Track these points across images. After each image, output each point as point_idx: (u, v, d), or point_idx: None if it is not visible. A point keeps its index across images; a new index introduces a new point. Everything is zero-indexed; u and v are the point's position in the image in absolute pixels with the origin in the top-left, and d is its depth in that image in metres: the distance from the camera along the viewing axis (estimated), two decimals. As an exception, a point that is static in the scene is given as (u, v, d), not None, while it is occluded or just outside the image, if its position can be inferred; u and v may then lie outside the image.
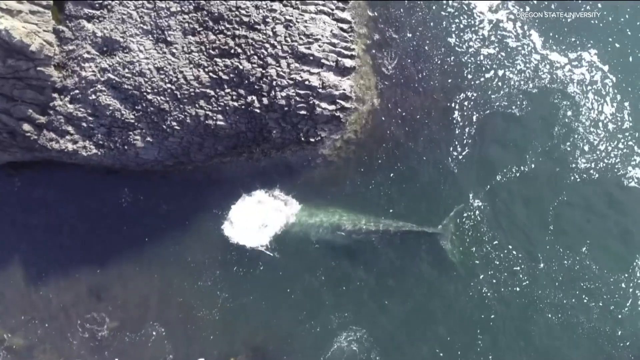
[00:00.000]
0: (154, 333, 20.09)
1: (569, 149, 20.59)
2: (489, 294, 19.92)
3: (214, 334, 20.01)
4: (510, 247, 20.26)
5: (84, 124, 19.07)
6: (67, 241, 20.83)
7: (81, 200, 21.00)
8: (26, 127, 19.08)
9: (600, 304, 19.62)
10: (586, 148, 20.65)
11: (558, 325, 19.62)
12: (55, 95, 18.97)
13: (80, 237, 20.80)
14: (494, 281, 19.93)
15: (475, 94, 20.75)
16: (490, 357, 19.43)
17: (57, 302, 20.56)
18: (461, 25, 21.41)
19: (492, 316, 19.80)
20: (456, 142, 20.59)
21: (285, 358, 19.84)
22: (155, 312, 20.32)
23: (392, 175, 20.71)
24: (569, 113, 20.62)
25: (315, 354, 19.67)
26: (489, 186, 20.56)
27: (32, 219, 21.07)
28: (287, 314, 20.09)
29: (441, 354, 19.54)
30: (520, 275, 19.94)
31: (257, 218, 20.57)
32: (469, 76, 20.89)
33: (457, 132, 20.58)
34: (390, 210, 20.49)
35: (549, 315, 19.61)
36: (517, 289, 19.74)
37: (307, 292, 20.25)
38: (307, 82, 18.78)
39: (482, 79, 20.86)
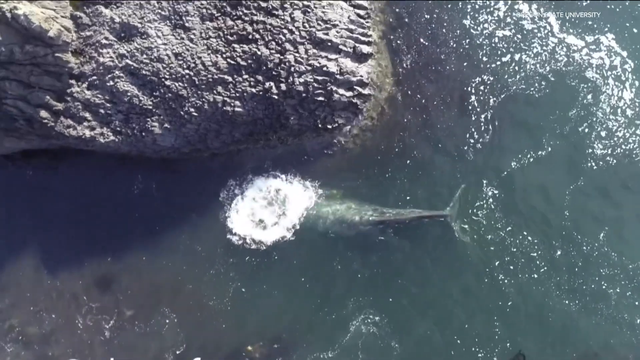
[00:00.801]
0: (166, 322, 20.02)
1: (586, 134, 20.53)
2: (505, 281, 19.89)
3: (226, 323, 19.92)
4: (525, 233, 20.17)
5: (102, 111, 19.05)
6: (77, 230, 20.83)
7: (92, 188, 20.99)
8: (43, 113, 19.06)
9: (619, 291, 19.56)
10: (603, 134, 20.57)
11: (576, 311, 19.56)
12: (73, 81, 18.93)
13: (91, 226, 20.80)
14: (511, 267, 19.86)
15: (491, 78, 20.70)
16: (507, 344, 19.36)
17: (68, 291, 20.54)
18: (476, 6, 21.35)
19: (509, 303, 19.72)
20: (472, 129, 20.54)
21: (303, 345, 19.76)
22: (166, 302, 20.27)
23: (408, 162, 20.66)
24: (588, 98, 20.55)
25: (333, 340, 19.64)
26: (505, 172, 20.46)
27: (43, 208, 21.10)
28: (302, 302, 20.05)
29: (458, 341, 19.48)
30: (538, 262, 19.88)
31: (272, 207, 20.63)
32: (484, 59, 20.85)
33: (473, 118, 20.54)
34: (407, 198, 20.46)
35: (567, 302, 19.53)
36: (535, 275, 19.68)
37: (321, 281, 20.22)
38: (324, 68, 18.75)
39: (498, 63, 20.81)
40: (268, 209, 20.56)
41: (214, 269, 20.17)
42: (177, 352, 19.82)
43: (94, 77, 18.87)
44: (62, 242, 20.82)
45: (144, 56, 18.60)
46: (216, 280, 20.14)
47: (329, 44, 18.80)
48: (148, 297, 20.38)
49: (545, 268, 19.76)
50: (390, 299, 19.77)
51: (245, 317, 20.04)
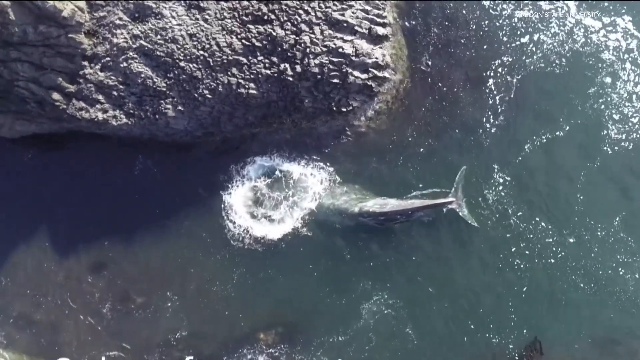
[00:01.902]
0: (168, 307, 19.73)
1: (601, 118, 20.30)
2: (521, 266, 19.66)
3: (229, 309, 19.62)
4: (539, 218, 19.87)
5: (115, 93, 18.89)
6: (79, 214, 20.56)
7: (93, 172, 20.71)
8: (55, 96, 18.90)
9: (637, 276, 19.29)
10: (617, 117, 20.34)
11: (592, 297, 19.22)
12: (86, 63, 18.80)
13: (94, 210, 20.55)
14: (527, 253, 19.64)
15: (510, 59, 20.52)
16: (524, 330, 19.11)
17: (69, 275, 20.28)
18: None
19: (525, 288, 19.49)
20: (489, 113, 20.27)
21: (314, 330, 19.43)
22: (168, 286, 19.96)
23: (421, 150, 20.37)
24: (606, 80, 20.36)
25: (345, 325, 19.30)
26: (520, 157, 20.15)
27: (43, 192, 20.81)
28: (311, 289, 19.72)
29: (472, 326, 19.24)
30: (553, 247, 19.62)
31: (279, 192, 20.33)
32: (504, 39, 20.72)
33: (490, 101, 20.29)
34: (420, 185, 20.12)
35: (583, 287, 19.28)
36: (552, 260, 19.44)
37: (331, 269, 19.86)
38: (340, 50, 18.62)
39: (517, 43, 20.66)
40: (275, 194, 20.30)
41: (219, 255, 19.86)
42: (179, 337, 19.52)
43: (107, 59, 18.72)
44: (62, 226, 20.58)
45: (158, 37, 18.45)
46: (220, 265, 19.83)
47: (345, 24, 18.69)
48: (149, 282, 20.08)
49: (563, 254, 19.49)
50: (403, 284, 19.47)
51: (253, 303, 19.67)
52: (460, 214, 19.67)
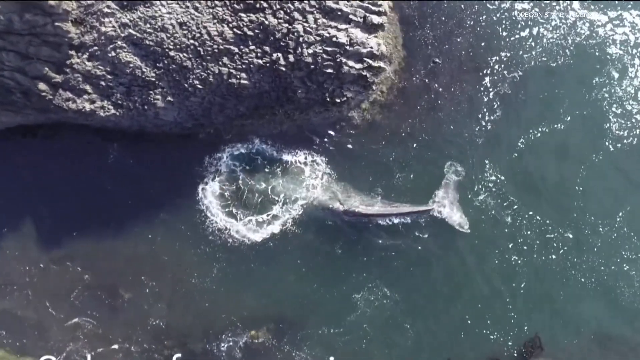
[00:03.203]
0: (150, 301, 18.91)
1: (603, 112, 19.96)
2: (519, 262, 19.17)
3: (209, 301, 18.89)
4: (537, 213, 19.47)
5: (102, 83, 18.35)
6: (55, 207, 19.66)
7: (64, 163, 19.87)
8: (42, 86, 18.34)
9: (643, 273, 19.00)
10: (619, 111, 19.99)
11: (592, 291, 18.82)
12: (73, 52, 18.24)
13: (64, 201, 19.68)
14: (525, 248, 19.18)
15: (508, 54, 20.19)
16: (525, 328, 18.60)
17: (49, 268, 19.33)
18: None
19: (523, 284, 19.03)
20: (485, 109, 19.93)
21: (306, 325, 18.72)
22: (144, 278, 19.13)
23: (415, 145, 19.91)
24: (612, 74, 20.03)
25: (338, 318, 18.71)
26: (515, 154, 19.80)
27: (23, 183, 19.88)
28: (302, 284, 19.04)
29: (469, 321, 18.74)
30: (554, 244, 19.20)
31: (267, 186, 19.65)
32: (504, 34, 20.38)
33: (486, 94, 19.95)
34: (408, 186, 19.44)
35: (584, 281, 18.81)
36: (553, 256, 19.00)
37: (322, 264, 19.17)
38: (334, 39, 18.18)
39: (515, 37, 20.33)
40: (261, 187, 19.60)
41: (199, 248, 19.10)
42: (165, 333, 18.76)
43: (95, 48, 18.19)
44: (27, 220, 19.61)
45: (148, 25, 17.96)
46: (198, 260, 19.04)
47: (339, 13, 18.26)
48: (121, 274, 19.24)
49: (565, 248, 19.06)
50: (399, 279, 18.94)
51: (232, 296, 18.91)
52: (447, 220, 19.21)
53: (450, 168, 19.58)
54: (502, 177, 19.67)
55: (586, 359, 18.38)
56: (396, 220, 19.34)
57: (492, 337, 18.46)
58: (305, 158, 19.84)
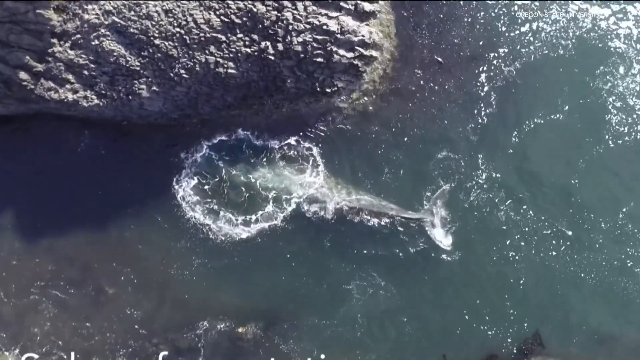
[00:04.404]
0: (132, 296, 18.27)
1: (604, 109, 19.41)
2: (517, 258, 18.57)
3: (195, 296, 18.24)
4: (537, 210, 18.82)
5: (86, 72, 17.80)
6: (33, 201, 18.90)
7: (34, 153, 19.11)
8: (23, 75, 17.79)
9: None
10: (619, 105, 19.41)
11: (593, 287, 18.23)
12: (55, 40, 17.71)
13: (32, 192, 19.09)
14: (522, 244, 18.57)
15: (505, 46, 19.64)
16: (525, 325, 17.99)
17: (26, 262, 18.55)
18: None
19: (522, 281, 18.44)
20: (481, 104, 19.32)
21: (294, 320, 18.16)
22: (128, 271, 18.48)
23: (406, 139, 19.28)
24: (614, 69, 19.50)
25: (331, 309, 18.16)
26: (510, 150, 19.23)
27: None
28: (291, 279, 18.42)
29: (467, 317, 18.16)
30: (553, 240, 18.56)
31: (255, 179, 18.99)
32: (503, 29, 19.82)
33: (482, 86, 19.37)
34: (396, 184, 18.87)
35: (584, 277, 18.23)
36: (553, 253, 18.38)
37: (311, 258, 18.53)
38: (324, 27, 17.64)
39: (516, 31, 19.77)
40: (245, 180, 18.94)
41: (179, 243, 18.45)
42: (150, 328, 18.08)
43: (78, 36, 17.64)
44: (8, 212, 18.87)
45: (132, 13, 17.41)
46: (177, 253, 18.39)
47: (330, 0, 17.77)
48: (107, 267, 18.52)
49: (567, 244, 18.46)
50: (394, 274, 18.28)
51: (211, 289, 18.29)
52: (429, 234, 18.67)
53: (440, 191, 19.05)
54: (498, 175, 19.12)
55: (587, 357, 17.79)
56: (386, 220, 18.79)
57: (489, 332, 17.84)
58: (294, 150, 19.22)
